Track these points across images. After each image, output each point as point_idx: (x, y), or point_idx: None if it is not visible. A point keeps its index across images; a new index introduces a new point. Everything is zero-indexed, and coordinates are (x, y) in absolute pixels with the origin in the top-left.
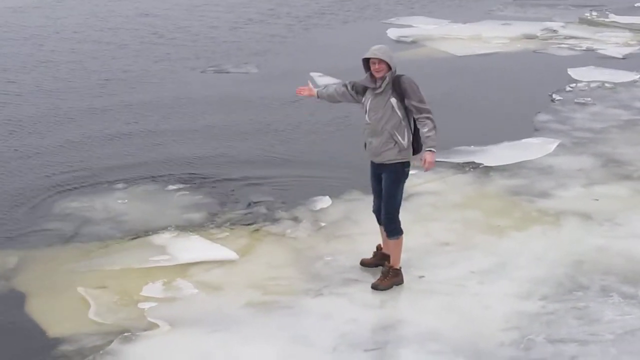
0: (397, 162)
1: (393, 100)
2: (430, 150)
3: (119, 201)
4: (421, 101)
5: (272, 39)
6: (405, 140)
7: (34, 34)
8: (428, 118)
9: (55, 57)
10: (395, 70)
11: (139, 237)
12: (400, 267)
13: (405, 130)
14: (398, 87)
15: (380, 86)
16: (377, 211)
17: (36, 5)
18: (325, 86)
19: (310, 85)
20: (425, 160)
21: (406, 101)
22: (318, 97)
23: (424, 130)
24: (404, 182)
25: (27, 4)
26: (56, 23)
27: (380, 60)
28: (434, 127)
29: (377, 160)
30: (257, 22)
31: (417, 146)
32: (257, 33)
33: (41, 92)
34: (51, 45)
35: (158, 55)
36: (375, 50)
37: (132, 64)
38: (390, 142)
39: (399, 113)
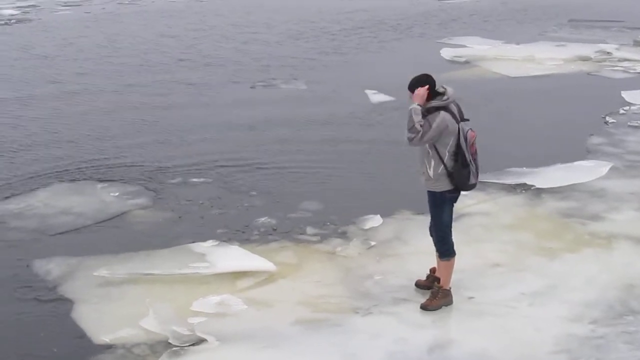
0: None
1: None
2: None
3: (131, 210)
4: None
5: (320, 56)
6: (431, 170)
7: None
8: (420, 129)
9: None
10: (432, 104)
11: (182, 244)
12: (450, 288)
13: (433, 161)
14: (426, 120)
15: None
16: (430, 232)
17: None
18: None
19: None
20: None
21: None
22: None
23: (428, 170)
24: (449, 205)
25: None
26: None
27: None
28: (414, 124)
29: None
30: (305, 39)
31: (453, 181)
32: (304, 50)
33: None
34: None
35: (195, 74)
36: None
37: (171, 80)
38: (422, 170)
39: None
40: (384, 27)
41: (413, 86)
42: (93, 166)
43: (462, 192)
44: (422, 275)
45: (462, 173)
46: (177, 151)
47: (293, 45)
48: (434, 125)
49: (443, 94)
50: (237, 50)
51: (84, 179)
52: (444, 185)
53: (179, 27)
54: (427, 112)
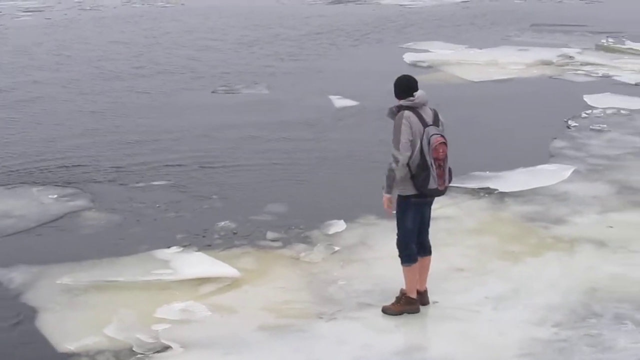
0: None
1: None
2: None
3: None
4: (394, 144)
5: (277, 63)
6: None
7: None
8: (390, 160)
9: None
10: (401, 103)
11: (143, 251)
12: (417, 297)
13: None
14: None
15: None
16: None
17: None
18: None
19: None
20: None
21: None
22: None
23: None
24: (413, 210)
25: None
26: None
27: None
28: (387, 170)
29: None
30: (260, 45)
31: (417, 184)
32: (258, 57)
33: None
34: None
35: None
36: None
37: (125, 87)
38: None
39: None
40: (342, 33)
41: (394, 88)
42: (39, 169)
43: (436, 199)
44: (387, 281)
45: (419, 176)
46: (133, 155)
47: (248, 52)
48: (402, 128)
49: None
50: (191, 58)
51: (25, 183)
52: (409, 190)
53: (133, 34)
54: (397, 109)
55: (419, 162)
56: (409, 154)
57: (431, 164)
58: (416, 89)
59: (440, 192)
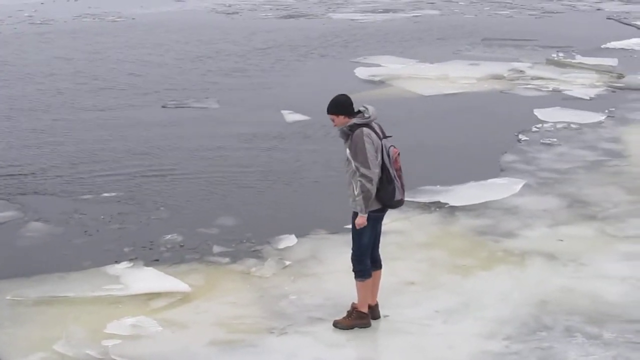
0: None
1: (347, 152)
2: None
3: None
4: (361, 163)
5: (223, 79)
6: (357, 190)
7: None
8: (360, 180)
9: None
10: (354, 122)
11: (93, 267)
12: (368, 311)
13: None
14: (350, 141)
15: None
16: None
17: None
18: None
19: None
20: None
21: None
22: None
23: (354, 191)
24: (370, 225)
25: None
26: None
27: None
28: (362, 191)
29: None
30: (202, 61)
31: (379, 199)
32: (203, 73)
33: None
34: None
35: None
36: (328, 106)
37: (66, 104)
38: (349, 190)
39: (353, 164)
40: (290, 48)
41: (332, 108)
42: None
43: (391, 210)
44: (339, 295)
45: (387, 189)
46: (77, 168)
47: (192, 67)
48: (366, 146)
49: (364, 112)
50: (135, 74)
51: None
52: (371, 205)
53: (77, 50)
54: (349, 130)
55: (381, 175)
56: (378, 170)
57: (394, 176)
58: None
59: (402, 203)
